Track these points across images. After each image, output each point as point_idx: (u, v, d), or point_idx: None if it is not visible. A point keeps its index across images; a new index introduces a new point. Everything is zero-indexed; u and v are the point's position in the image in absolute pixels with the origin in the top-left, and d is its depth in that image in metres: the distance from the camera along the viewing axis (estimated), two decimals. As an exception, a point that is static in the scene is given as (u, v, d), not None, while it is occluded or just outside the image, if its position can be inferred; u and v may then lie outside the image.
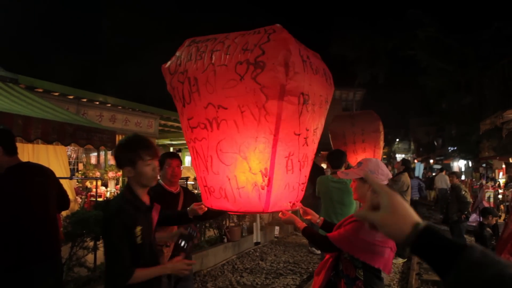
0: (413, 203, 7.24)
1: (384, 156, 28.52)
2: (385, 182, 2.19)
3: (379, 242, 2.03)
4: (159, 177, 3.10)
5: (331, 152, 4.49)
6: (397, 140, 39.30)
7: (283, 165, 1.94)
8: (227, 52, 1.90)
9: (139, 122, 9.21)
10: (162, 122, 10.54)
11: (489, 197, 9.39)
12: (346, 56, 21.53)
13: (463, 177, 15.72)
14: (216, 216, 3.12)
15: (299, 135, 1.94)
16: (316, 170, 7.83)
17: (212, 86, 1.91)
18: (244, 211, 2.07)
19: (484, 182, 10.12)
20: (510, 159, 11.75)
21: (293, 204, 2.16)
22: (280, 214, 2.26)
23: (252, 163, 1.91)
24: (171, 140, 13.44)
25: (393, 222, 0.76)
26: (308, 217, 2.45)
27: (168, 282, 2.93)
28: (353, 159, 6.43)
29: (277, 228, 8.55)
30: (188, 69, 2.05)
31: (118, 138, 8.31)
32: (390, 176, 2.27)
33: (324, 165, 9.20)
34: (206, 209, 2.63)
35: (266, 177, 1.91)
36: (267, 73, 1.76)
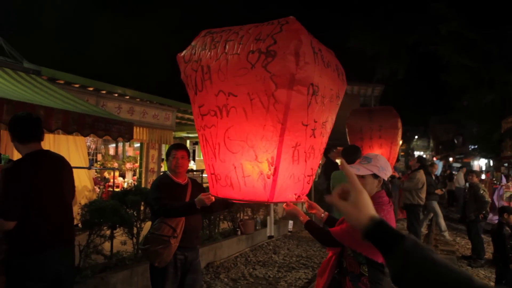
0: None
1: (402, 153, 28.05)
2: (386, 178, 2.19)
3: None
4: (166, 169, 3.15)
5: (346, 148, 4.46)
6: (416, 137, 38.59)
7: (290, 155, 1.95)
8: (240, 42, 1.93)
9: (157, 115, 9.33)
10: (179, 115, 10.65)
11: (509, 197, 9.16)
12: (365, 51, 21.20)
13: (483, 176, 15.35)
14: (223, 208, 3.14)
15: (306, 125, 1.95)
16: (331, 166, 7.80)
17: (224, 74, 1.95)
18: (249, 200, 2.10)
19: (505, 181, 9.87)
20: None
21: (298, 196, 2.16)
22: (284, 205, 2.27)
23: (258, 151, 1.93)
24: (187, 133, 13.58)
25: (355, 213, 0.99)
26: (313, 211, 2.44)
27: (174, 273, 2.97)
28: None
29: (291, 222, 8.56)
30: (202, 57, 2.10)
31: (136, 129, 8.47)
32: (391, 173, 2.27)
33: (338, 161, 9.13)
34: (213, 199, 2.66)
35: (272, 166, 1.93)
36: (278, 62, 1.79)
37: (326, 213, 2.48)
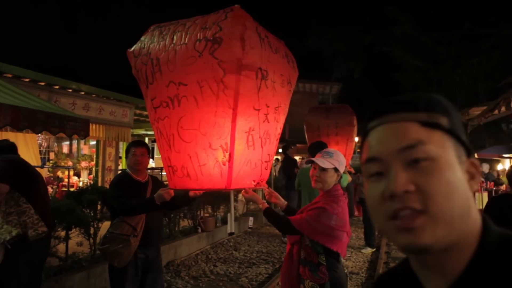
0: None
1: (358, 150, 29.06)
2: (342, 170, 2.32)
3: (338, 226, 2.17)
4: (126, 167, 3.10)
5: (313, 144, 4.55)
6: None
7: (244, 141, 2.00)
8: (187, 32, 1.97)
9: (114, 111, 9.06)
10: (138, 111, 10.40)
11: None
12: (324, 50, 21.74)
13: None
14: (184, 204, 3.13)
15: (258, 110, 2.00)
16: (289, 162, 7.98)
17: (173, 65, 1.97)
18: (207, 189, 2.12)
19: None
20: (475, 154, 12.28)
21: (257, 183, 2.21)
22: (242, 192, 2.30)
23: (212, 138, 1.96)
24: (146, 130, 13.29)
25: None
26: (273, 200, 2.49)
27: (135, 273, 2.92)
28: None
29: (251, 219, 8.64)
30: (151, 51, 2.11)
31: (92, 126, 8.18)
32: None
33: (297, 157, 9.35)
34: (173, 193, 2.66)
35: (226, 152, 1.97)
36: (224, 48, 1.83)
37: (285, 202, 2.53)
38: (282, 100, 2.24)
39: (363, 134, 0.69)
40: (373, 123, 0.66)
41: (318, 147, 4.43)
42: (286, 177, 7.70)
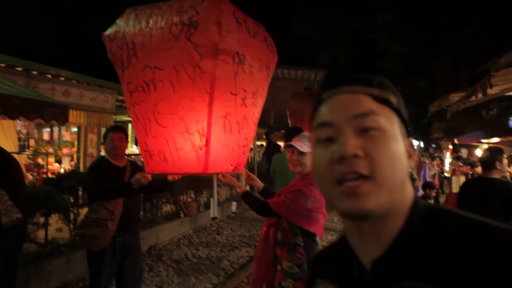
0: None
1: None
2: None
3: (315, 208, 2.22)
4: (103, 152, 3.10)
5: (288, 130, 4.59)
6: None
7: (221, 125, 2.01)
8: (164, 16, 1.95)
9: (95, 97, 8.91)
10: (120, 97, 10.23)
11: (434, 174, 10.05)
12: (309, 36, 21.67)
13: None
14: (163, 189, 3.14)
15: (235, 95, 2.01)
16: (272, 148, 8.02)
17: (148, 49, 1.96)
18: (184, 173, 2.13)
19: (427, 161, 10.79)
20: (455, 140, 12.55)
21: (235, 167, 2.23)
22: (220, 176, 2.32)
23: (188, 123, 1.97)
24: (129, 117, 13.13)
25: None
26: (251, 182, 2.53)
27: (113, 256, 2.95)
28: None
29: (234, 203, 8.72)
30: (126, 34, 2.09)
31: (73, 113, 8.05)
32: None
33: (281, 143, 9.41)
34: (150, 177, 2.67)
35: (203, 137, 1.98)
36: (201, 32, 1.83)
37: (262, 184, 2.57)
38: (260, 85, 2.25)
39: (316, 102, 0.72)
40: (328, 93, 0.69)
41: (293, 133, 4.48)
42: (269, 162, 7.76)
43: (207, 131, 2.00)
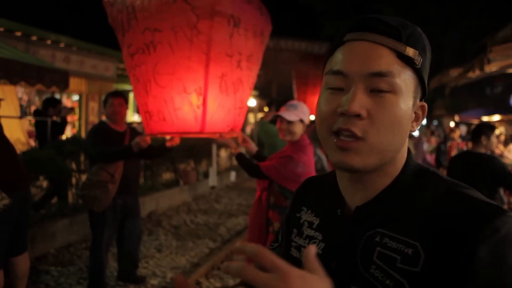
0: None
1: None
2: (307, 121, 2.44)
3: (304, 173, 2.32)
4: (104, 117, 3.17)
5: (276, 102, 4.60)
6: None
7: (217, 85, 2.08)
8: None
9: (96, 65, 8.89)
10: (121, 66, 10.21)
11: (432, 150, 10.13)
12: (314, 7, 21.21)
13: (416, 133, 16.62)
14: (161, 153, 3.22)
15: (231, 56, 2.07)
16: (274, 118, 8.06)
17: (148, 11, 2.02)
18: (182, 132, 2.21)
19: (423, 137, 10.85)
20: (456, 116, 12.54)
21: (232, 129, 2.31)
22: (217, 136, 2.38)
23: (186, 82, 2.04)
24: (130, 85, 13.09)
25: None
26: (245, 145, 2.60)
27: (113, 217, 3.06)
28: (312, 101, 6.48)
29: (233, 173, 8.88)
30: None
31: (73, 80, 8.05)
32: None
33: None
34: (149, 141, 2.76)
35: (200, 96, 2.05)
36: None
37: (256, 147, 2.64)
38: (255, 50, 2.29)
39: (334, 42, 0.67)
40: (349, 36, 0.64)
41: (281, 104, 4.51)
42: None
43: (204, 90, 2.07)
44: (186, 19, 1.95)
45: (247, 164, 2.47)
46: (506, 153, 7.17)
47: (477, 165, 2.92)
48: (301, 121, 2.39)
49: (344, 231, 0.67)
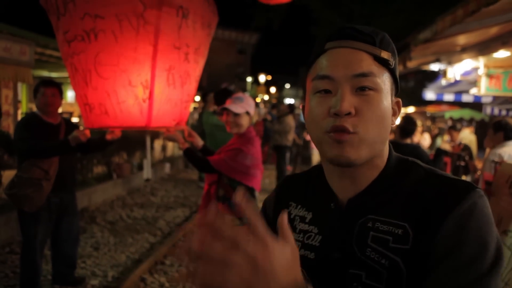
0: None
1: (275, 101, 29.98)
2: (252, 113, 2.49)
3: (253, 165, 2.40)
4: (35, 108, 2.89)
5: (218, 92, 4.56)
6: (288, 85, 41.50)
7: (164, 78, 2.02)
8: None
9: (9, 48, 7.96)
10: (39, 50, 9.27)
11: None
12: (245, -3, 21.25)
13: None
14: (101, 147, 3.02)
15: (179, 49, 2.02)
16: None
17: None
18: (127, 127, 2.12)
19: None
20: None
21: (177, 123, 2.26)
22: (164, 130, 2.33)
23: (131, 75, 1.95)
24: (50, 71, 12.03)
25: None
26: (191, 139, 2.58)
27: (48, 216, 2.86)
28: None
29: (167, 165, 8.69)
30: None
31: (-18, 65, 7.14)
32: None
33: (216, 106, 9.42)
34: (89, 134, 2.59)
35: (147, 89, 1.98)
36: None
37: (202, 142, 2.63)
38: (202, 42, 2.26)
39: (316, 50, 0.73)
40: (329, 45, 0.70)
41: (224, 95, 4.53)
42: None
43: (150, 83, 1.99)
44: (132, 7, 1.85)
45: (195, 159, 2.46)
46: (421, 141, 7.98)
47: (406, 154, 3.26)
48: (247, 113, 2.42)
49: (339, 223, 0.72)
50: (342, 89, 0.66)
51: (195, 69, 2.30)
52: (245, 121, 2.42)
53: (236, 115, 2.37)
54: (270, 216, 0.87)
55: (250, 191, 2.45)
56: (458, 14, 3.06)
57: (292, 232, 0.80)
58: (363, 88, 0.66)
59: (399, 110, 0.75)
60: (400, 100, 0.75)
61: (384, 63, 0.69)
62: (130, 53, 1.93)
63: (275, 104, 13.91)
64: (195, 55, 2.22)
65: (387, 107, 0.68)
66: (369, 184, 0.72)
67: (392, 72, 0.71)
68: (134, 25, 1.88)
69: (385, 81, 0.69)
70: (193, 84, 2.34)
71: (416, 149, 3.36)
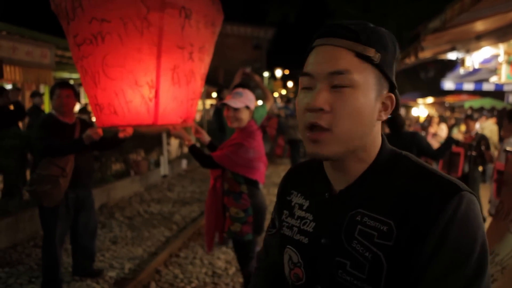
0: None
1: (292, 95, 29.83)
2: (252, 107, 2.53)
3: (255, 158, 2.45)
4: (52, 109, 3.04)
5: (219, 89, 4.68)
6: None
7: (169, 77, 2.09)
8: None
9: (31, 52, 8.27)
10: (59, 52, 9.55)
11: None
12: (259, -8, 21.22)
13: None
14: (114, 145, 3.15)
15: (183, 48, 2.09)
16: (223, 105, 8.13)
17: (94, 0, 1.97)
18: (135, 125, 2.21)
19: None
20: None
21: (184, 120, 2.34)
22: (170, 127, 2.40)
23: (137, 75, 2.04)
24: (70, 73, 12.39)
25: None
26: (198, 136, 2.65)
27: (66, 212, 2.99)
28: None
29: (184, 161, 8.85)
30: None
31: (6, 68, 7.46)
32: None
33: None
34: (101, 133, 2.71)
35: (152, 88, 2.06)
36: None
37: (209, 138, 2.70)
38: (206, 41, 2.31)
39: (308, 49, 0.77)
40: (316, 42, 0.74)
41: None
42: (218, 120, 7.88)
43: (156, 83, 2.07)
44: (136, 10, 1.93)
45: (199, 155, 2.53)
46: (439, 132, 7.85)
47: (405, 141, 3.33)
48: (247, 107, 2.46)
49: (331, 212, 0.77)
50: (319, 85, 0.70)
51: (200, 67, 2.36)
52: (245, 116, 2.47)
53: (236, 110, 2.42)
54: (277, 201, 0.96)
55: (254, 183, 2.51)
56: (466, 1, 3.02)
57: (291, 218, 0.87)
58: (338, 85, 0.68)
59: (392, 104, 0.74)
60: (392, 95, 0.74)
61: (367, 59, 0.69)
62: (135, 54, 2.02)
63: (290, 98, 13.88)
64: (199, 53, 2.28)
65: (364, 103, 0.69)
66: (358, 177, 0.74)
67: (379, 67, 0.71)
68: (138, 27, 1.97)
69: (366, 77, 0.69)
70: (198, 82, 2.40)
71: (414, 135, 3.48)
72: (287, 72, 30.98)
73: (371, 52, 0.69)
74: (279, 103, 17.97)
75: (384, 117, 0.74)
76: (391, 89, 0.74)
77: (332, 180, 0.79)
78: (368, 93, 0.69)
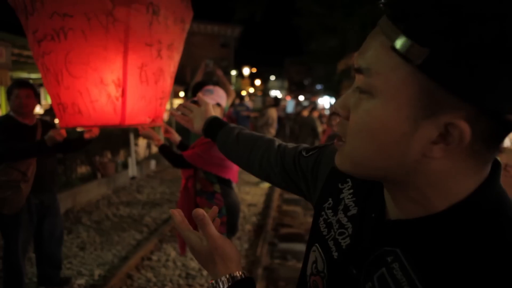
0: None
1: (260, 93, 29.95)
2: (224, 104, 2.50)
3: None
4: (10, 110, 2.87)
5: (195, 86, 4.57)
6: (273, 77, 41.50)
7: (137, 76, 2.02)
8: None
9: (-15, 50, 7.82)
10: (16, 51, 9.09)
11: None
12: (225, -10, 21.12)
13: (328, 112, 17.76)
14: (79, 146, 3.01)
15: (151, 46, 2.02)
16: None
17: None
18: (101, 125, 2.13)
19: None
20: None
21: (153, 120, 2.27)
22: (139, 127, 2.35)
23: (103, 73, 1.96)
24: (29, 73, 11.81)
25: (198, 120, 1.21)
26: (168, 135, 2.59)
27: (29, 218, 2.85)
28: None
29: (153, 162, 8.67)
30: None
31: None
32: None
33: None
34: (64, 134, 2.59)
35: (119, 87, 1.98)
36: None
37: (179, 137, 2.64)
38: (175, 38, 2.26)
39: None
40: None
41: (198, 88, 4.54)
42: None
43: (123, 81, 2.00)
44: (101, 5, 1.84)
45: (170, 155, 2.48)
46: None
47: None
48: (218, 104, 2.43)
49: (367, 237, 0.59)
50: (347, 84, 0.59)
51: (169, 65, 2.30)
52: (216, 113, 2.44)
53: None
54: (327, 179, 0.75)
55: (227, 183, 2.48)
56: None
57: (332, 214, 0.69)
58: (359, 88, 0.50)
59: (464, 139, 0.43)
60: (462, 126, 0.42)
61: (404, 58, 0.43)
62: (100, 51, 1.93)
63: (243, 96, 13.58)
64: (168, 51, 2.22)
65: (382, 119, 0.47)
66: (411, 219, 0.52)
67: (429, 72, 0.42)
68: (103, 23, 1.88)
69: (398, 86, 0.45)
70: (167, 81, 2.34)
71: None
72: (254, 70, 31.10)
73: (415, 48, 0.42)
74: (247, 101, 17.97)
75: (438, 155, 0.45)
76: (470, 112, 0.42)
77: (387, 200, 0.58)
78: (396, 108, 0.46)
